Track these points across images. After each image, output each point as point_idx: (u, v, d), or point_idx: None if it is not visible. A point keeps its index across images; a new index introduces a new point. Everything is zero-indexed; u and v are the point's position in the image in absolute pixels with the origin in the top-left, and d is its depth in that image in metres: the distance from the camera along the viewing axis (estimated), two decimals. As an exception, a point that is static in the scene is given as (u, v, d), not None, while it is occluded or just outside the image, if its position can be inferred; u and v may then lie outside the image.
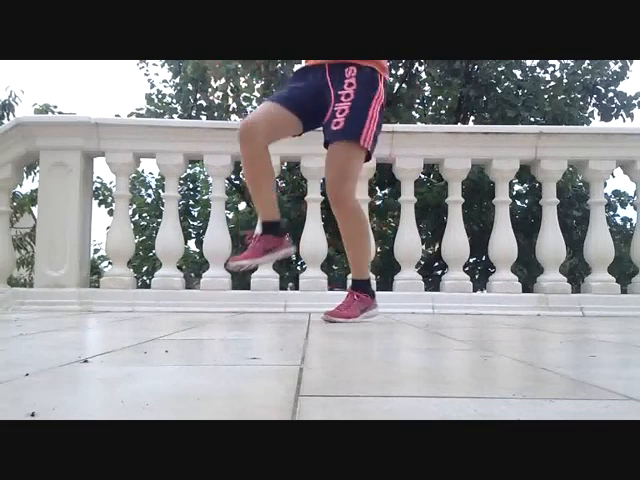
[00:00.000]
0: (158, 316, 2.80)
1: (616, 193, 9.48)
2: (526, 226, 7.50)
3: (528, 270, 7.14)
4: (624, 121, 8.90)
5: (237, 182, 9.79)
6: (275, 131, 2.30)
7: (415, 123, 8.24)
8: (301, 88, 2.30)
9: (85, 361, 1.11)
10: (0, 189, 3.45)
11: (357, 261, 2.48)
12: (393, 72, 8.97)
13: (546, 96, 8.51)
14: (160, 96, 9.80)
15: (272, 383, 0.92)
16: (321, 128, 2.31)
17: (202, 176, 10.24)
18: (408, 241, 3.47)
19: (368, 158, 2.28)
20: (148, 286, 3.62)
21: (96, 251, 9.83)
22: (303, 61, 2.51)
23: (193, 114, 9.22)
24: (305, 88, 2.28)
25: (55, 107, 8.36)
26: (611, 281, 3.48)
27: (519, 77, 8.91)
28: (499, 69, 8.77)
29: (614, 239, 3.67)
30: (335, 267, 7.60)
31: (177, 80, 9.53)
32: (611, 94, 9.00)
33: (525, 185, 8.91)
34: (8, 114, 7.92)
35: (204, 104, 9.46)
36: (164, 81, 9.86)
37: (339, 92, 2.19)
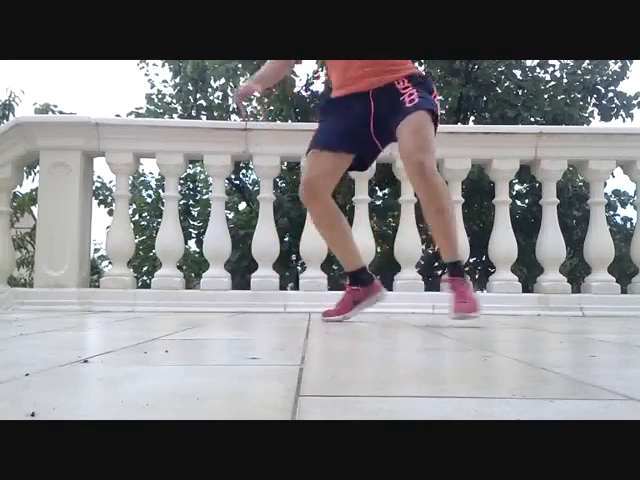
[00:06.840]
0: (158, 316, 2.80)
1: (616, 193, 9.48)
2: (526, 226, 7.49)
3: (528, 270, 7.14)
4: (624, 121, 8.90)
5: (237, 182, 9.80)
6: (333, 178, 2.31)
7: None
8: (341, 122, 2.25)
9: (85, 361, 1.11)
10: (0, 189, 3.45)
11: (447, 241, 2.24)
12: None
13: (546, 96, 8.51)
14: (160, 96, 9.79)
15: (272, 383, 0.92)
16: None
17: (202, 176, 10.24)
18: (408, 241, 3.47)
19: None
20: (148, 286, 3.62)
21: (96, 251, 9.82)
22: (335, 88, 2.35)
23: (193, 114, 9.22)
24: (348, 120, 2.23)
25: (55, 107, 8.35)
26: (611, 281, 3.47)
27: (519, 77, 8.90)
28: (499, 69, 8.76)
29: (614, 239, 3.67)
30: (335, 267, 7.58)
31: (177, 80, 9.52)
32: (611, 94, 8.99)
33: (525, 185, 8.91)
34: (8, 114, 7.90)
35: (204, 104, 9.47)
36: (164, 81, 9.85)
37: (402, 94, 2.14)
